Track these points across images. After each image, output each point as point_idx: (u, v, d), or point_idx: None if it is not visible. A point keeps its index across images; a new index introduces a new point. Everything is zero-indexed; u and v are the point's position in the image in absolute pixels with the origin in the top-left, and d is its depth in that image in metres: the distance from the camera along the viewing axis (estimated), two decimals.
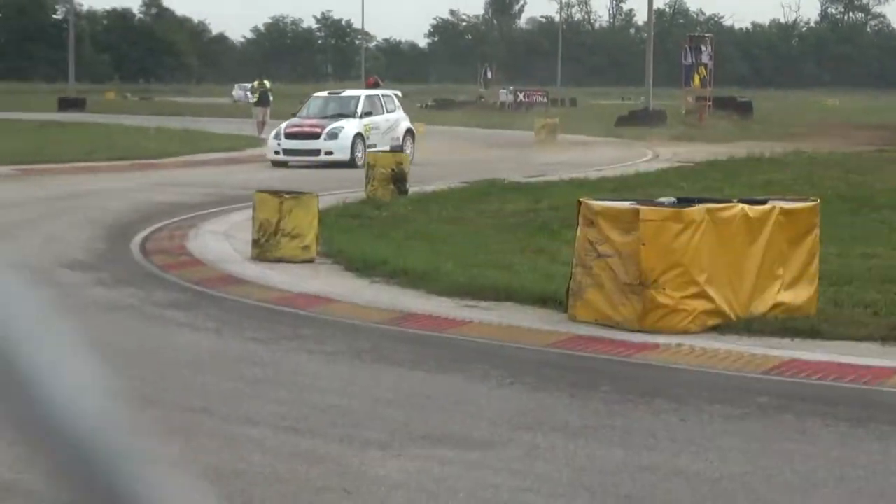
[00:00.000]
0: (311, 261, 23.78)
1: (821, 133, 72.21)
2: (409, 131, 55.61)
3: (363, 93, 55.93)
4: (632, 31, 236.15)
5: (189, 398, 14.18)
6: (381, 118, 54.01)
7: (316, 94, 59.28)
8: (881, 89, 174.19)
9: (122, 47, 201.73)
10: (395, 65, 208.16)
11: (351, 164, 49.18)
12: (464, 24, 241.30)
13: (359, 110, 53.16)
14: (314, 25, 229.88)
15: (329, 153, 50.65)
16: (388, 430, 13.07)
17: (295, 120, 53.63)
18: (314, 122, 52.73)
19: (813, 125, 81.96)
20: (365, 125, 51.95)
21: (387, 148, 49.30)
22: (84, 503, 0.71)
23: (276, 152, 52.00)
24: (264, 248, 24.01)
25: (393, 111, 56.02)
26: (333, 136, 51.09)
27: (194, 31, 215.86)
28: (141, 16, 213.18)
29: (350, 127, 51.34)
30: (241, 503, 10.71)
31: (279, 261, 23.54)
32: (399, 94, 60.14)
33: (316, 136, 51.38)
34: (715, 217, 18.04)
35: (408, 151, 50.12)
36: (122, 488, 0.80)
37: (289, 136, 51.74)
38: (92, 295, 20.95)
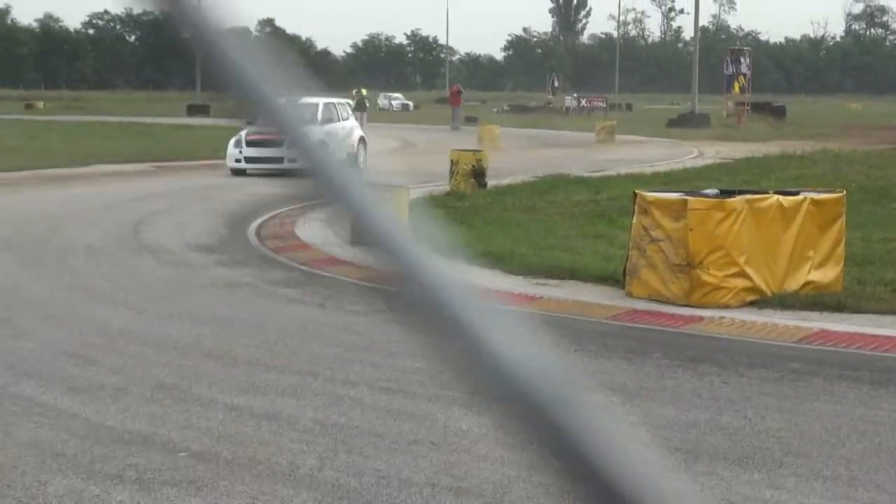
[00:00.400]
0: None
1: (845, 134, 71.89)
2: (361, 139, 49.66)
3: (321, 100, 47.24)
4: (680, 45, 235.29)
5: (298, 363, 14.20)
6: (338, 126, 47.30)
7: None
8: None
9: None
10: (476, 75, 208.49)
11: None
12: (534, 39, 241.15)
13: (319, 117, 45.84)
14: (405, 41, 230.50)
15: (293, 161, 45.05)
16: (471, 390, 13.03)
17: (255, 128, 41.01)
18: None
19: (838, 127, 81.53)
20: (326, 132, 42.19)
21: (343, 156, 44.32)
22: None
23: (237, 160, 44.21)
24: (363, 233, 24.00)
25: (347, 119, 50.22)
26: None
27: (302, 47, 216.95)
28: (257, 34, 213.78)
29: (312, 134, 46.05)
30: (343, 452, 10.71)
31: None
32: (351, 102, 54.12)
33: (280, 143, 45.30)
34: (753, 206, 17.96)
35: (361, 160, 46.96)
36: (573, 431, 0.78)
37: (250, 143, 43.29)
38: (215, 274, 21.03)
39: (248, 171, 42.76)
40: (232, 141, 44.26)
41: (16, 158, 47.46)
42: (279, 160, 38.24)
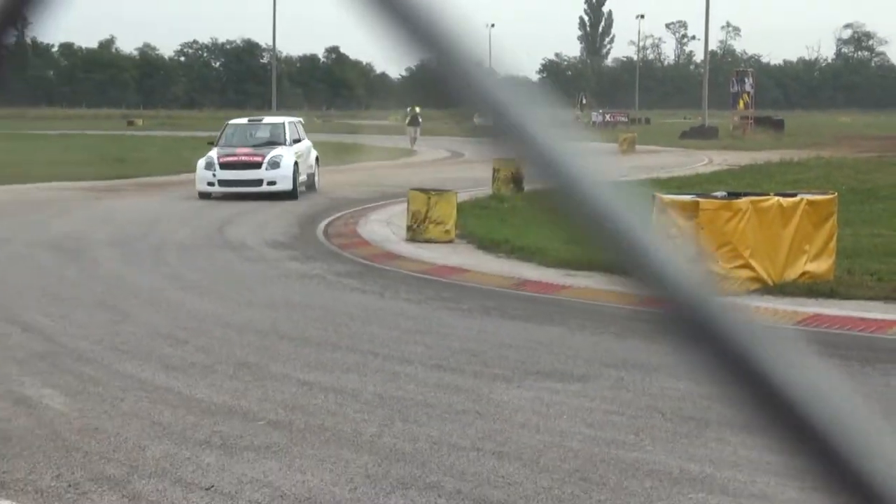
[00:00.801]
0: (450, 241, 23.76)
1: (837, 143, 71.48)
2: (316, 158, 41.59)
3: (285, 119, 40.79)
4: (692, 66, 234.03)
5: (360, 343, 14.20)
6: (302, 146, 39.50)
7: (233, 122, 41.49)
8: (882, 109, 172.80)
9: (310, 83, 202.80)
10: None
11: (292, 194, 36.01)
12: (565, 63, 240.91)
13: (288, 137, 38.43)
14: None
15: (272, 183, 35.93)
16: (510, 367, 13.04)
17: (226, 149, 37.23)
18: (248, 150, 37.23)
19: (830, 137, 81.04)
20: (296, 153, 37.70)
21: (304, 177, 38.78)
22: None
23: (210, 184, 36.16)
24: (416, 231, 24.05)
25: (304, 138, 41.40)
26: (275, 164, 36.26)
27: (363, 70, 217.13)
28: (324, 59, 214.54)
29: (288, 155, 37.01)
30: (399, 421, 10.70)
31: (427, 241, 23.56)
32: (302, 120, 44.11)
33: (256, 165, 36.28)
34: (756, 207, 17.94)
35: (317, 179, 40.33)
36: None
37: (225, 165, 36.17)
38: (289, 267, 21.05)
39: (213, 195, 35.81)
40: (201, 162, 36.71)
41: (119, 168, 47.64)
42: (257, 182, 35.39)
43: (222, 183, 35.63)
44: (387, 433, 10.37)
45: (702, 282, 0.36)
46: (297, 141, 38.88)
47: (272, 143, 37.33)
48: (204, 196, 35.38)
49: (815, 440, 0.48)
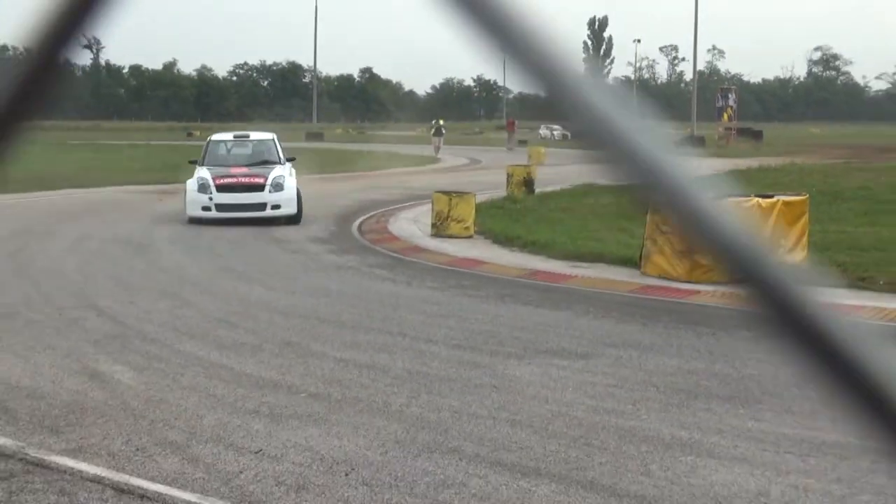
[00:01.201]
0: (470, 237, 23.75)
1: (808, 151, 71.32)
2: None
3: (273, 135, 32.10)
4: (682, 84, 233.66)
5: (390, 325, 14.20)
6: (288, 164, 30.60)
7: (216, 137, 32.68)
8: (847, 122, 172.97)
9: (346, 99, 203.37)
10: (527, 110, 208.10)
11: (296, 219, 27.76)
12: None
13: (282, 155, 30.51)
14: (472, 84, 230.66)
15: (276, 207, 27.86)
16: (522, 346, 13.03)
17: (218, 170, 29.07)
18: (245, 170, 29.13)
19: (803, 146, 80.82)
20: (290, 171, 29.61)
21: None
22: None
23: (205, 208, 27.90)
24: (440, 228, 24.04)
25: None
26: (279, 186, 28.06)
27: (393, 88, 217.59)
28: (359, 79, 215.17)
29: (289, 176, 29.03)
30: (425, 394, 10.70)
31: (449, 237, 23.57)
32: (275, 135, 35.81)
33: (259, 187, 28.13)
34: (737, 206, 17.95)
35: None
36: None
37: (222, 188, 28.05)
38: (328, 259, 21.06)
39: (205, 220, 27.54)
40: (193, 185, 28.27)
41: (177, 174, 47.64)
42: (260, 207, 27.46)
43: (220, 208, 27.45)
44: (414, 404, 10.38)
45: (802, 280, 0.34)
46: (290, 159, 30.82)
47: (267, 162, 29.51)
48: (195, 221, 27.19)
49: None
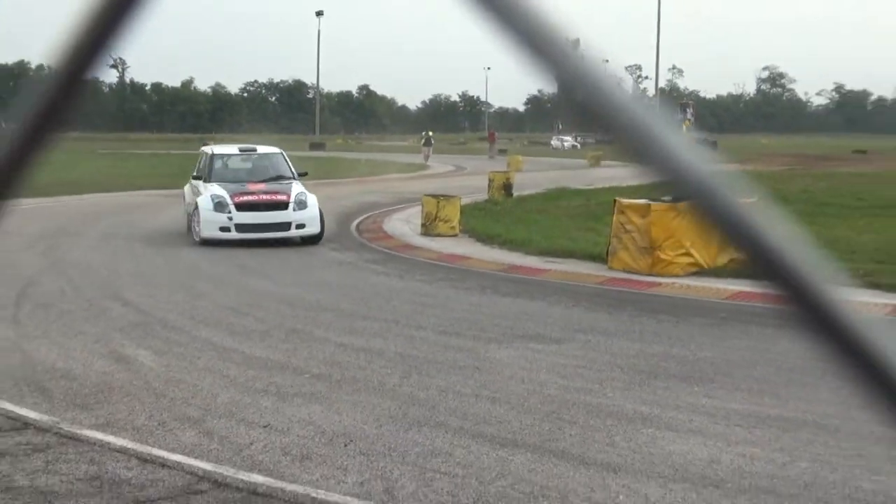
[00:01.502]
0: (455, 235, 23.72)
1: (758, 160, 71.41)
2: None
3: (279, 150, 26.58)
4: (646, 99, 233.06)
5: (384, 314, 14.22)
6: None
7: (217, 150, 26.62)
8: (792, 133, 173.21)
9: (346, 113, 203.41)
10: (506, 122, 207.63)
11: (318, 238, 23.17)
12: (545, 97, 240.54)
13: (293, 170, 25.32)
14: (457, 99, 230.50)
15: (300, 226, 23.06)
16: (501, 332, 13.06)
17: (233, 186, 23.71)
18: (263, 187, 23.91)
19: (753, 155, 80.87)
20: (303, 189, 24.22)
21: None
22: None
23: (224, 228, 22.70)
24: (428, 228, 24.01)
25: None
26: (302, 204, 23.15)
27: (388, 103, 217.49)
28: (357, 95, 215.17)
29: (309, 192, 23.99)
30: (415, 374, 10.74)
31: (437, 236, 23.53)
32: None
33: (282, 205, 23.11)
34: (681, 207, 17.98)
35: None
36: None
37: (242, 207, 22.88)
38: (329, 255, 21.06)
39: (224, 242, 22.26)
40: (206, 203, 22.72)
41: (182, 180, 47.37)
42: (285, 226, 22.36)
43: (241, 228, 22.21)
44: (405, 383, 10.40)
45: (824, 278, 0.34)
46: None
47: (281, 178, 24.25)
48: (209, 243, 21.89)
49: None
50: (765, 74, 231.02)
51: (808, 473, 7.82)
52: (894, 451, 7.66)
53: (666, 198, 19.00)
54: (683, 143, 0.44)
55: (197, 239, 22.46)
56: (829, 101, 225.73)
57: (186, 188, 25.44)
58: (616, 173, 56.64)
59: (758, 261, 0.42)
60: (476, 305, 15.38)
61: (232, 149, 26.27)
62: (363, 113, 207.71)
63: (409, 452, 8.23)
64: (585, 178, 48.32)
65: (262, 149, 26.24)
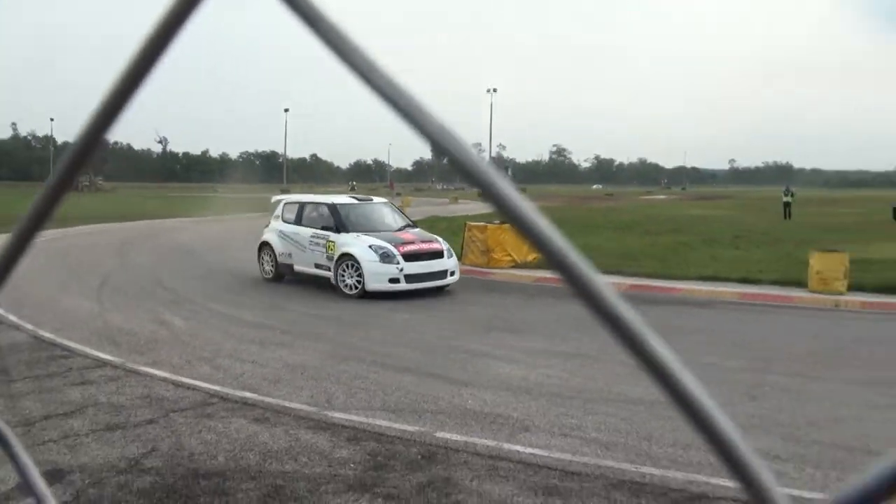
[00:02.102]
0: None
1: (546, 199, 72.32)
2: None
3: (384, 199, 17.06)
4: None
5: (328, 300, 13.99)
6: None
7: (338, 201, 15.44)
8: (570, 184, 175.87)
9: (302, 171, 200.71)
10: (400, 176, 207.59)
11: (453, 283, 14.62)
12: (424, 161, 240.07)
13: (409, 218, 16.33)
14: (371, 163, 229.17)
15: (452, 273, 14.42)
16: (401, 302, 12.90)
17: (385, 235, 14.34)
18: (414, 236, 14.69)
19: (546, 196, 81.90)
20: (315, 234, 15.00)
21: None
22: None
23: (394, 280, 13.51)
24: None
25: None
26: (450, 252, 14.69)
27: (328, 165, 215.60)
28: (309, 160, 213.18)
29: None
30: (344, 329, 10.58)
31: None
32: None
33: (440, 254, 14.34)
34: (506, 226, 18.02)
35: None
36: None
37: (409, 257, 13.69)
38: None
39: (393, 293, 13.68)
40: (370, 254, 13.76)
41: (209, 211, 46.29)
42: (442, 275, 14.34)
43: (410, 278, 13.87)
44: (338, 335, 10.25)
45: (588, 267, 0.33)
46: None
47: (408, 226, 15.66)
48: (375, 295, 13.62)
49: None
50: (554, 149, 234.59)
51: (582, 384, 7.93)
52: (626, 368, 7.79)
53: (497, 221, 19.17)
54: (509, 188, 0.42)
55: (351, 292, 13.66)
56: (591, 164, 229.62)
57: (273, 237, 15.82)
58: (468, 207, 57.21)
59: (549, 258, 0.41)
60: None
61: (347, 199, 16.04)
62: (313, 171, 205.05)
63: (341, 376, 8.14)
64: (449, 210, 48.48)
65: (376, 199, 16.74)
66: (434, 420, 6.65)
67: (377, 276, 13.61)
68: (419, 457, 5.74)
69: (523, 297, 13.89)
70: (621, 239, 24.94)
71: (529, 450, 5.89)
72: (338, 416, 6.74)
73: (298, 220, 15.54)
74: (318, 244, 14.71)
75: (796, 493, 4.94)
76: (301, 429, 6.39)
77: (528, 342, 9.91)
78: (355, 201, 15.84)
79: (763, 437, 6.13)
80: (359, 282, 13.71)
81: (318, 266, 14.64)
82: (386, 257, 13.73)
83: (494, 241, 17.78)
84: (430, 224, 34.09)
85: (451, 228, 27.65)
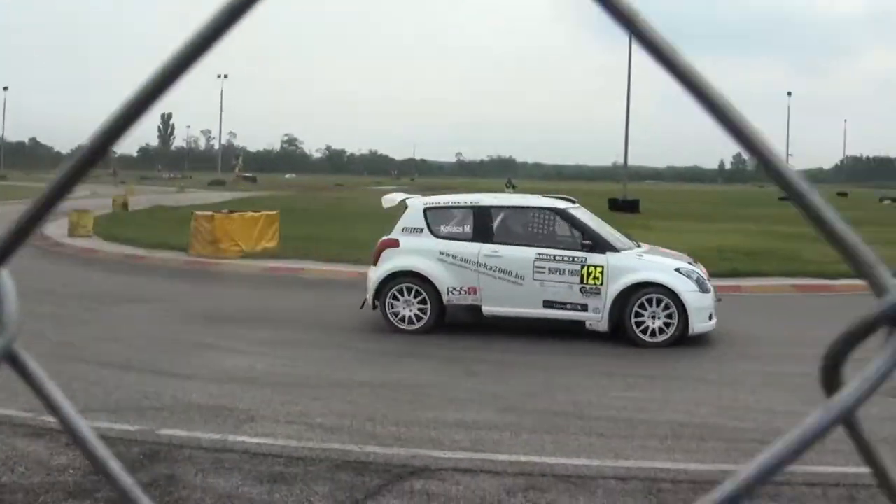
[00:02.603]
0: (90, 236, 21.66)
1: (283, 188, 71.27)
2: None
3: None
4: (212, 151, 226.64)
5: (45, 286, 12.86)
6: None
7: (495, 202, 9.91)
8: (304, 173, 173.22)
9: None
10: (127, 165, 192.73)
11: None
12: (151, 147, 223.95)
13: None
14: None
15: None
16: (118, 296, 12.20)
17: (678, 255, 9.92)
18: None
19: (283, 186, 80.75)
20: None
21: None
22: None
23: (710, 316, 9.23)
24: (73, 232, 21.73)
25: None
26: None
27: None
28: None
29: None
30: (60, 325, 9.80)
31: (79, 237, 21.39)
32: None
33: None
34: (243, 217, 17.85)
35: None
36: None
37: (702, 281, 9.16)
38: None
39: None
40: (689, 285, 9.11)
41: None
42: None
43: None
44: (60, 336, 9.50)
45: None
46: None
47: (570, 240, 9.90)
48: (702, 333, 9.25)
49: None
50: (286, 138, 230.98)
51: (307, 371, 8.07)
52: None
53: (225, 210, 18.69)
54: (819, 198, 0.41)
55: (656, 338, 9.19)
56: (322, 154, 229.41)
57: (426, 263, 9.92)
58: (195, 196, 54.69)
59: (858, 268, 0.41)
60: (101, 280, 14.29)
61: (497, 197, 10.78)
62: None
63: (59, 378, 7.38)
64: (175, 199, 46.28)
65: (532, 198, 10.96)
66: (157, 417, 6.43)
67: (701, 311, 9.26)
68: (141, 456, 5.53)
69: (250, 287, 13.75)
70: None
71: (255, 439, 5.89)
72: (55, 421, 6.24)
73: (484, 235, 9.89)
74: (558, 271, 9.50)
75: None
76: (18, 437, 5.89)
77: (254, 332, 9.83)
78: (512, 203, 10.42)
79: None
80: (668, 324, 9.19)
81: (555, 305, 9.54)
82: (701, 284, 9.38)
83: (222, 230, 17.38)
84: (154, 213, 32.17)
85: (177, 218, 26.49)
